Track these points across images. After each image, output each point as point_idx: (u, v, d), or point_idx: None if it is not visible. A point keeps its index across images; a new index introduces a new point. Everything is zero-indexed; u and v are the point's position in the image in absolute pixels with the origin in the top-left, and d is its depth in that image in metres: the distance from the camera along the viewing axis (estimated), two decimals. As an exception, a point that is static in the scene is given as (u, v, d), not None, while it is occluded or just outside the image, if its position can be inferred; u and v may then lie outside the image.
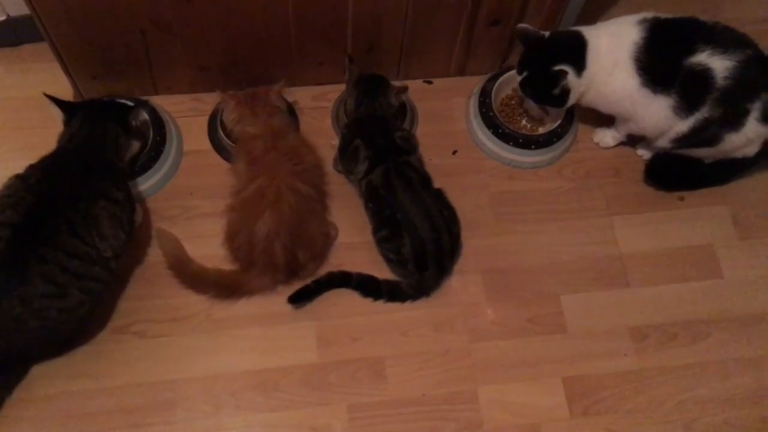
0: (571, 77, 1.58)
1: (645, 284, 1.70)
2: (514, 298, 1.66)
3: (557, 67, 1.57)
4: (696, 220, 1.78)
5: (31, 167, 1.42)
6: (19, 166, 1.44)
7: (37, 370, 1.50)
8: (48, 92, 1.77)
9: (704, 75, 1.52)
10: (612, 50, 1.59)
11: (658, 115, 1.60)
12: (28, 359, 1.49)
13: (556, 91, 1.61)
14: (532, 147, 1.78)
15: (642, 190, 1.81)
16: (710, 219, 1.79)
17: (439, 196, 1.63)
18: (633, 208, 1.79)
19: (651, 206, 1.79)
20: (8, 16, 1.77)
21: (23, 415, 1.46)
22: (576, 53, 1.59)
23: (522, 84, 1.67)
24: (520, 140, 1.78)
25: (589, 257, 1.72)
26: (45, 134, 1.66)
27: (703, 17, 1.59)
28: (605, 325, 1.64)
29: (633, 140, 1.83)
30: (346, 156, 1.64)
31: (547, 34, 1.62)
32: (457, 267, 1.67)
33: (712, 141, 1.62)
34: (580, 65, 1.59)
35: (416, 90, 1.88)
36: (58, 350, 1.50)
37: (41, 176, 1.40)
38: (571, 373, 1.58)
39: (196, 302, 1.59)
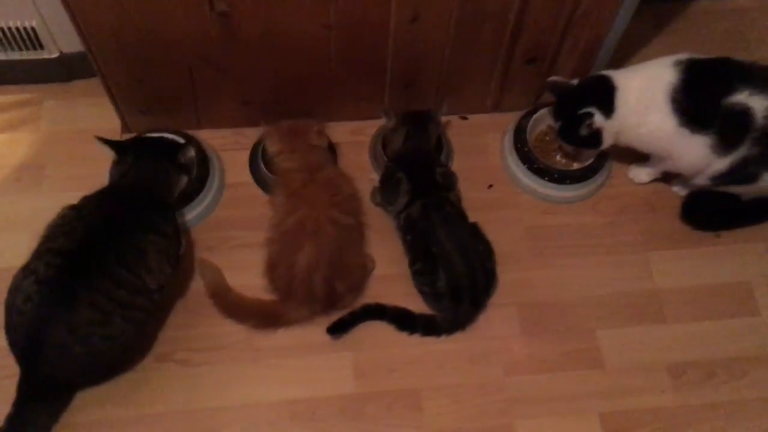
0: (599, 118, 1.61)
1: (682, 320, 1.69)
2: (550, 332, 1.66)
3: (583, 110, 1.61)
4: (732, 257, 1.78)
5: (86, 198, 1.48)
6: (69, 197, 1.49)
7: (82, 397, 1.53)
8: (97, 126, 1.86)
9: (744, 114, 1.53)
10: (645, 92, 1.61)
11: (696, 153, 1.61)
12: (72, 387, 1.52)
13: (583, 131, 1.65)
14: (567, 182, 1.80)
15: (677, 226, 1.82)
16: (747, 256, 1.78)
17: (475, 230, 1.65)
18: (668, 244, 1.79)
19: (687, 243, 1.80)
20: (61, 52, 1.84)
21: (67, 441, 1.50)
22: (603, 96, 1.63)
23: (559, 133, 1.72)
24: (555, 175, 1.80)
25: (625, 293, 1.72)
26: (93, 166, 1.73)
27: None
28: (642, 360, 1.64)
29: (668, 177, 1.84)
30: (387, 188, 1.68)
31: (576, 81, 1.67)
32: (492, 300, 1.68)
33: (751, 179, 1.62)
34: (608, 107, 1.62)
35: (452, 125, 1.92)
36: (101, 378, 1.53)
37: (94, 208, 1.45)
38: (608, 409, 1.58)
39: (236, 332, 1.62)
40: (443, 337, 1.64)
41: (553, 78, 1.69)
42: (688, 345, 1.66)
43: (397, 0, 1.50)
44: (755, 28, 2.14)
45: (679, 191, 1.84)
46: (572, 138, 1.71)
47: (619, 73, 1.65)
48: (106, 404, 1.53)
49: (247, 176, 1.83)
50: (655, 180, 1.86)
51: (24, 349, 1.38)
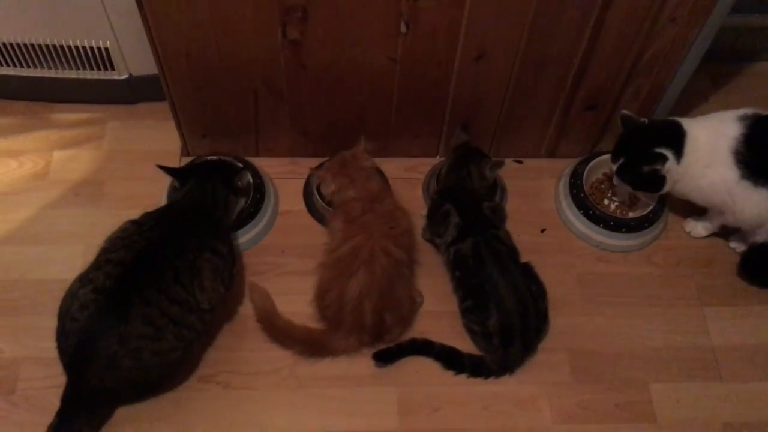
0: (671, 163, 1.59)
1: (738, 379, 1.63)
2: (601, 382, 1.61)
3: (657, 150, 1.59)
4: (792, 317, 1.73)
5: (147, 215, 1.51)
6: (125, 214, 1.52)
7: (123, 413, 1.52)
8: (158, 147, 1.91)
9: None
10: (711, 143, 1.59)
11: (759, 207, 1.58)
12: (115, 400, 1.51)
13: (647, 169, 1.61)
14: (623, 230, 1.78)
15: (734, 282, 1.77)
16: (807, 317, 1.73)
17: (528, 270, 1.63)
18: (725, 300, 1.74)
19: (744, 300, 1.75)
20: (130, 75, 1.90)
21: (105, 456, 1.48)
22: (675, 140, 1.60)
23: (619, 170, 1.68)
24: (611, 223, 1.77)
25: (679, 347, 1.67)
26: (152, 186, 1.79)
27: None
28: (696, 417, 1.57)
29: (726, 232, 1.80)
30: (435, 220, 1.68)
31: (646, 121, 1.65)
32: (542, 344, 1.64)
33: (814, 236, 1.58)
34: (678, 152, 1.60)
35: (506, 168, 1.90)
36: (145, 394, 1.52)
37: (155, 224, 1.47)
38: (660, 465, 1.52)
39: (281, 358, 1.60)
40: (490, 379, 1.60)
41: (626, 112, 1.66)
42: (745, 405, 1.60)
43: (464, 36, 1.52)
44: (815, 90, 2.13)
45: (737, 247, 1.80)
46: (632, 177, 1.66)
47: (689, 121, 1.64)
48: (147, 421, 1.52)
49: (300, 204, 1.85)
50: (713, 234, 1.83)
51: (73, 357, 1.38)
